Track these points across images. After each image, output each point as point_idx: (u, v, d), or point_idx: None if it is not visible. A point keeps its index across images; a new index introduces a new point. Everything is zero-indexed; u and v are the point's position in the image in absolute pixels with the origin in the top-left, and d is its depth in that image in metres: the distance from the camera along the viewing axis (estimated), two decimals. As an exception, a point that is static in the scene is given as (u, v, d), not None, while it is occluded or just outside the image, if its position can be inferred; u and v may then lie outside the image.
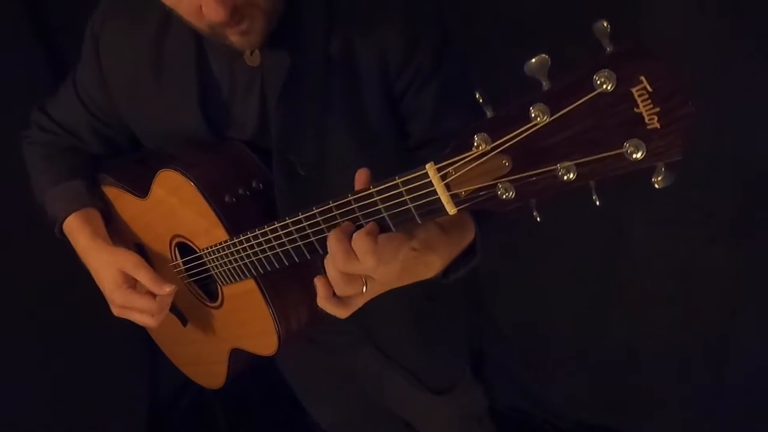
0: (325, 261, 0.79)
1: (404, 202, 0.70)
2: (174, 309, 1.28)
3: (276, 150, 1.03)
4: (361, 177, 0.77)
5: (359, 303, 0.81)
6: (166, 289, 1.08)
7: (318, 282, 0.80)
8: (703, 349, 1.83)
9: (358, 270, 0.75)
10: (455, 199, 0.66)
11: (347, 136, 1.02)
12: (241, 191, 1.06)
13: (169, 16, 1.04)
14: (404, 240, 0.74)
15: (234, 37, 0.91)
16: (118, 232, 1.26)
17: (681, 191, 1.59)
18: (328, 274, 0.79)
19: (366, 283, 0.78)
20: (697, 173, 1.57)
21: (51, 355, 1.83)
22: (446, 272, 0.91)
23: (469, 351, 1.58)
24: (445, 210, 0.67)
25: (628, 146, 0.54)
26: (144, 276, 1.09)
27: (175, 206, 1.10)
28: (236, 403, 2.35)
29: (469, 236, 0.89)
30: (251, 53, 1.02)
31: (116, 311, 1.14)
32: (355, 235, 0.73)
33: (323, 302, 0.81)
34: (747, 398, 1.82)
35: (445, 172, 0.65)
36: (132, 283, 1.13)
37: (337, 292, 0.79)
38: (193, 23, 0.90)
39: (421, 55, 0.98)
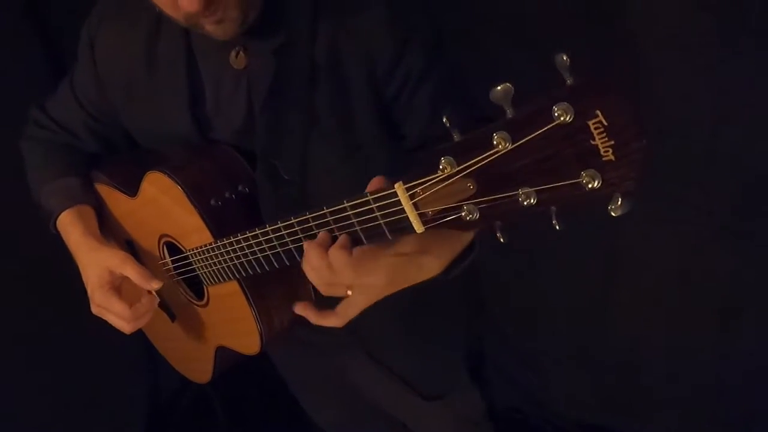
0: (303, 267, 0.81)
1: (375, 218, 0.72)
2: (163, 305, 1.29)
3: (260, 154, 1.04)
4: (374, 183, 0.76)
5: (352, 312, 0.83)
6: (153, 284, 1.08)
7: (300, 308, 0.84)
8: (703, 350, 1.82)
9: (340, 281, 0.77)
10: (423, 218, 0.68)
11: (332, 141, 1.01)
12: (227, 194, 1.06)
13: (161, 18, 1.05)
14: (380, 249, 0.76)
15: (209, 27, 0.92)
16: (109, 229, 1.27)
17: (680, 191, 1.60)
18: (310, 280, 0.81)
19: (351, 289, 0.80)
20: (696, 173, 1.57)
21: (51, 355, 1.84)
22: (446, 269, 0.91)
23: (466, 355, 1.57)
24: (413, 228, 0.69)
25: (584, 176, 0.56)
26: (131, 271, 1.09)
27: (163, 207, 1.11)
28: (236, 403, 2.35)
29: (466, 235, 0.89)
30: (236, 55, 1.01)
31: (94, 309, 1.14)
32: (330, 251, 0.75)
33: (316, 321, 0.84)
34: (746, 398, 1.81)
35: (413, 191, 0.67)
36: (116, 285, 1.12)
37: (323, 293, 0.81)
38: (170, 14, 0.91)
39: (411, 57, 0.96)
